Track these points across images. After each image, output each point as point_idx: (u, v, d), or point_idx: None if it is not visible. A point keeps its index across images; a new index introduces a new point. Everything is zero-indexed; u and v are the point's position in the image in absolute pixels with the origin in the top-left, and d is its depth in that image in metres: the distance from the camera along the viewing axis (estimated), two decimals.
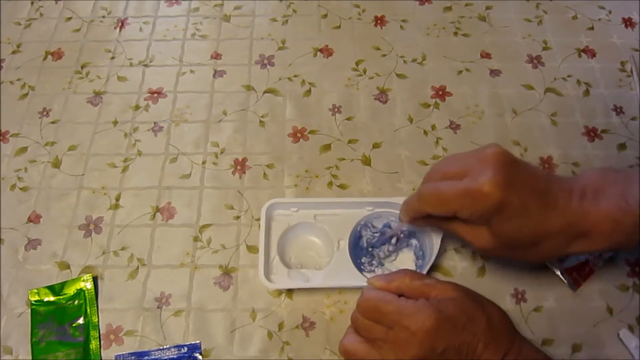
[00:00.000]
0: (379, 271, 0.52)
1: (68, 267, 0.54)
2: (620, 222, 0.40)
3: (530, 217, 0.41)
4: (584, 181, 0.42)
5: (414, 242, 0.53)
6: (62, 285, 0.53)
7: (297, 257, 0.54)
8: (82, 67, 0.68)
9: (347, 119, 0.63)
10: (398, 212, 0.53)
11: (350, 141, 0.61)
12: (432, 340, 0.39)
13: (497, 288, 0.52)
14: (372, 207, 0.54)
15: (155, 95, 0.65)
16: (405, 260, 0.53)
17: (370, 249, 0.53)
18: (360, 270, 0.51)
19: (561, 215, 0.41)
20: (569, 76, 0.66)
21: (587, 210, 0.40)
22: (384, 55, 0.68)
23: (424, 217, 0.45)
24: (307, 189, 0.58)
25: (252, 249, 0.55)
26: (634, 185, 0.40)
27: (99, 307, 0.52)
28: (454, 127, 0.62)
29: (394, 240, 0.52)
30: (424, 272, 0.50)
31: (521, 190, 0.40)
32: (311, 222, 0.54)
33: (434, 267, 0.53)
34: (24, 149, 0.61)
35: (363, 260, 0.53)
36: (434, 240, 0.51)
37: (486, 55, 0.67)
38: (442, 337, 0.39)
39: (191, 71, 0.67)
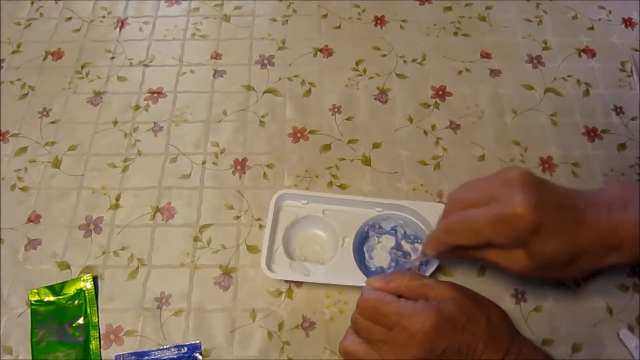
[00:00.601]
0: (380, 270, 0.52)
1: (68, 267, 0.54)
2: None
3: (565, 235, 0.40)
4: (607, 194, 0.42)
5: (418, 246, 0.53)
6: (62, 285, 0.53)
7: (301, 249, 0.54)
8: (82, 67, 0.68)
9: (347, 119, 0.63)
10: (407, 215, 0.53)
11: (350, 141, 0.61)
12: (432, 341, 0.39)
13: (497, 288, 0.52)
14: (381, 209, 0.54)
15: (155, 95, 0.65)
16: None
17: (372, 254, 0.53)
18: (363, 269, 0.51)
19: (593, 229, 0.40)
20: (569, 76, 0.66)
21: (617, 222, 0.40)
22: (384, 55, 0.68)
23: (452, 249, 0.44)
24: (307, 189, 0.58)
25: (252, 249, 0.55)
26: None
27: (99, 307, 0.52)
28: (454, 127, 0.62)
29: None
30: (427, 273, 0.50)
31: (553, 209, 0.40)
32: (319, 217, 0.54)
33: (435, 267, 0.53)
34: (24, 149, 0.61)
35: (366, 261, 0.53)
36: None
37: (486, 55, 0.67)
38: (442, 337, 0.39)
39: (191, 71, 0.67)
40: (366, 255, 0.53)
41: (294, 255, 0.53)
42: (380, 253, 0.53)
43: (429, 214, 0.52)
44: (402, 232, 0.54)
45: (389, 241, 0.54)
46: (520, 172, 0.41)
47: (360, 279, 0.50)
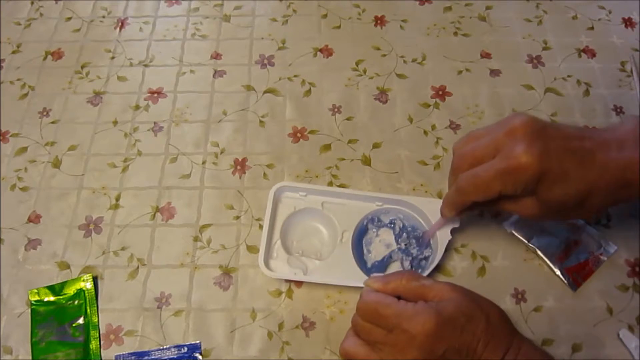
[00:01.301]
0: (380, 268, 0.52)
1: (68, 267, 0.54)
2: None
3: (572, 179, 0.40)
4: (621, 131, 0.42)
5: (413, 242, 0.53)
6: (62, 285, 0.53)
7: (299, 242, 0.54)
8: (82, 67, 0.68)
9: (347, 119, 0.63)
10: (407, 209, 0.53)
11: (350, 141, 0.61)
12: (432, 342, 0.39)
13: (497, 288, 0.52)
14: (381, 203, 0.54)
15: (155, 95, 0.65)
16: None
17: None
18: (362, 265, 0.51)
19: (602, 169, 0.40)
20: (569, 76, 0.66)
21: (628, 159, 0.40)
22: (384, 55, 0.68)
23: (468, 206, 0.45)
24: None
25: (252, 249, 0.55)
26: None
27: (99, 307, 0.52)
28: (454, 127, 0.62)
29: (407, 264, 0.52)
30: (427, 273, 0.50)
31: (558, 154, 0.40)
32: (318, 209, 0.54)
33: (434, 267, 0.53)
34: (24, 149, 0.61)
35: (365, 256, 0.52)
36: (439, 245, 0.51)
37: (486, 55, 0.67)
38: (442, 339, 0.39)
39: (191, 71, 0.67)
40: (365, 249, 0.53)
41: (292, 249, 0.53)
42: (379, 247, 0.53)
43: (429, 209, 0.52)
44: (401, 225, 0.54)
45: (387, 234, 0.54)
46: (523, 121, 0.41)
47: (358, 277, 0.50)
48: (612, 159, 0.40)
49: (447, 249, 0.54)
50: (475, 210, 0.46)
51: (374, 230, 0.54)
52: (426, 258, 0.52)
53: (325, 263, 0.51)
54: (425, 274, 0.50)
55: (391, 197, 0.54)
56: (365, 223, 0.54)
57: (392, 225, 0.54)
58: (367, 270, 0.51)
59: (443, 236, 0.51)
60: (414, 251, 0.52)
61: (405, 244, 0.52)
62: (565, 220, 0.52)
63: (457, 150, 0.45)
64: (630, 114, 0.62)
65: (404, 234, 0.53)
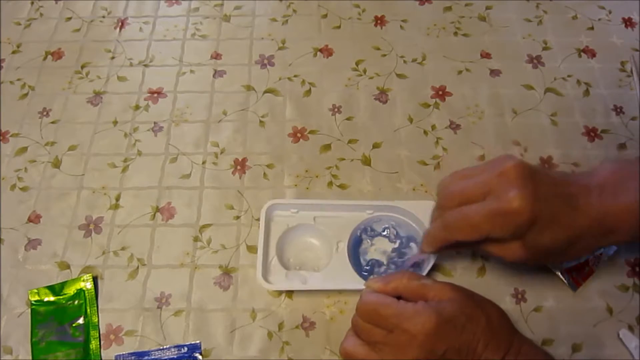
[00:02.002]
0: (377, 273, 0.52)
1: (68, 267, 0.54)
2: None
3: (561, 225, 0.40)
4: (600, 177, 0.42)
5: (413, 245, 0.53)
6: (62, 285, 0.53)
7: (295, 258, 0.54)
8: (82, 67, 0.68)
9: (347, 119, 0.63)
10: (398, 215, 0.53)
11: (350, 141, 0.61)
12: (433, 342, 0.39)
13: (497, 288, 0.52)
14: (372, 211, 0.54)
15: (155, 95, 0.65)
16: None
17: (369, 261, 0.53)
18: (359, 273, 0.51)
19: (585, 215, 0.41)
20: (569, 76, 0.66)
21: (608, 207, 0.40)
22: (384, 55, 0.68)
23: (451, 244, 0.44)
24: (307, 189, 0.58)
25: (252, 249, 0.55)
26: None
27: (99, 307, 0.52)
28: (454, 127, 0.62)
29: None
30: (424, 273, 0.50)
31: (548, 200, 0.40)
32: (310, 224, 0.54)
33: (434, 267, 0.53)
34: (24, 149, 0.61)
35: (361, 264, 0.52)
36: None
37: (486, 55, 0.67)
38: (442, 339, 0.39)
39: (191, 71, 0.67)
40: (361, 258, 0.53)
41: (289, 265, 0.53)
42: (375, 255, 0.53)
43: (421, 212, 0.52)
44: (394, 233, 0.54)
45: (382, 243, 0.54)
46: (515, 164, 0.41)
47: (357, 282, 0.50)
48: (593, 206, 0.41)
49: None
50: (455, 249, 0.46)
51: (368, 240, 0.54)
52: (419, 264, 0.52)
53: (323, 273, 0.51)
54: (424, 273, 0.50)
55: (382, 204, 0.54)
56: (358, 233, 0.54)
57: (386, 234, 0.54)
58: (365, 277, 0.51)
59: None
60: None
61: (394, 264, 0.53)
62: (546, 264, 0.51)
63: (444, 187, 0.44)
64: (630, 115, 0.62)
65: (398, 241, 0.53)
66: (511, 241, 0.42)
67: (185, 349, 0.50)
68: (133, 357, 0.50)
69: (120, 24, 0.71)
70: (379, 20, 0.71)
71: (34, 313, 0.52)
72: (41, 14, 0.73)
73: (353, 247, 0.53)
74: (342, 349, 0.44)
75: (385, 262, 0.53)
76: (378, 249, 0.53)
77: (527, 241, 0.41)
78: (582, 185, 0.42)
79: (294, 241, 0.54)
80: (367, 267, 0.52)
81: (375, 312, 0.42)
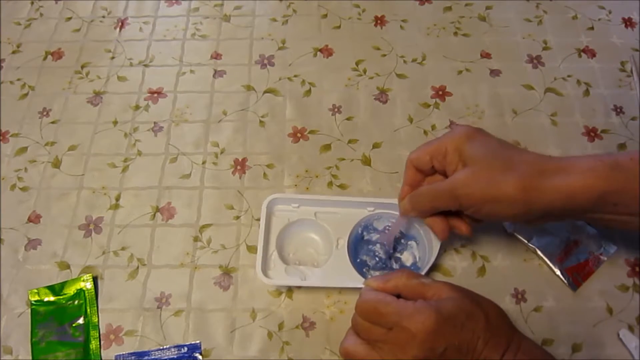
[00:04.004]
0: (377, 272, 0.52)
1: (68, 267, 0.54)
2: (599, 159, 0.40)
3: (500, 148, 0.43)
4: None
5: (413, 244, 0.53)
6: (62, 285, 0.53)
7: (295, 253, 0.54)
8: (82, 67, 0.68)
9: (347, 119, 0.63)
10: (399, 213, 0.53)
11: (350, 141, 0.61)
12: (432, 340, 0.39)
13: (497, 288, 0.52)
14: (373, 208, 0.54)
15: (155, 95, 0.65)
16: (405, 261, 0.53)
17: (370, 248, 0.53)
18: (359, 270, 0.51)
19: (533, 154, 0.43)
20: (569, 76, 0.66)
21: (561, 157, 0.42)
22: (384, 55, 0.68)
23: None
24: (307, 189, 0.58)
25: (252, 249, 0.55)
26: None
27: (99, 307, 0.52)
28: (454, 127, 0.62)
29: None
30: (423, 272, 0.50)
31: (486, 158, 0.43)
32: (311, 219, 0.54)
33: (434, 267, 0.53)
34: (24, 149, 0.61)
35: (361, 261, 0.52)
36: (434, 242, 0.51)
37: (486, 55, 0.67)
38: (442, 337, 0.39)
39: (191, 71, 0.67)
40: (361, 255, 0.53)
41: (289, 260, 0.53)
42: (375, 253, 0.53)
43: None
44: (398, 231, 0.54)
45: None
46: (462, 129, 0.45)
47: (357, 280, 0.50)
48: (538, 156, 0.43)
49: (447, 249, 0.54)
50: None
51: (369, 238, 0.54)
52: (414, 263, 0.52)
53: (322, 270, 0.51)
54: (423, 272, 0.50)
55: (383, 201, 0.54)
56: (359, 231, 0.54)
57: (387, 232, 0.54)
58: (365, 275, 0.51)
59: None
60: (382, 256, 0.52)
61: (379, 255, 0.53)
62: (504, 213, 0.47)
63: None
64: (630, 115, 0.62)
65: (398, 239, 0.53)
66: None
67: (185, 349, 0.50)
68: (133, 357, 0.50)
69: (120, 24, 0.71)
70: (379, 20, 0.71)
71: (34, 313, 0.52)
72: (41, 14, 0.73)
73: (353, 244, 0.53)
74: (342, 348, 0.44)
75: (376, 254, 0.53)
76: (378, 247, 0.53)
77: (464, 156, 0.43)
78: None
79: (295, 236, 0.54)
80: (362, 262, 0.52)
81: (375, 310, 0.42)
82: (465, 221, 0.47)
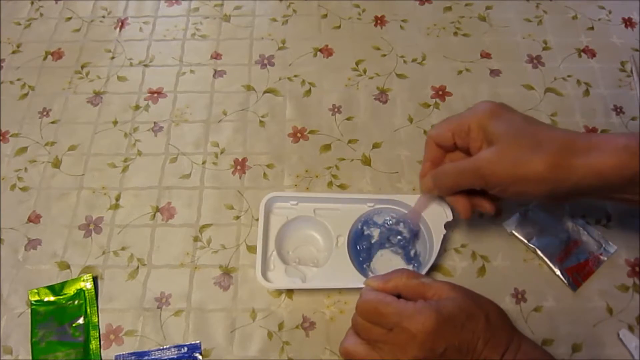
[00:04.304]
0: (379, 272, 0.52)
1: (68, 267, 0.54)
2: (632, 137, 0.39)
3: (526, 124, 0.42)
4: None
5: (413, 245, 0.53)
6: (62, 285, 0.53)
7: (295, 251, 0.54)
8: (82, 67, 0.68)
9: (347, 119, 0.63)
10: (399, 208, 0.53)
11: (350, 141, 0.61)
12: (433, 341, 0.39)
13: (497, 288, 0.52)
14: (372, 204, 0.54)
15: (155, 95, 0.65)
16: (402, 262, 0.53)
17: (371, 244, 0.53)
18: (359, 267, 0.51)
19: (560, 130, 0.42)
20: (569, 76, 0.66)
21: (591, 134, 0.42)
22: (384, 55, 0.68)
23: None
24: (307, 189, 0.58)
25: (252, 249, 0.55)
26: None
27: (99, 307, 0.52)
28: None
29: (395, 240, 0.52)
30: (423, 272, 0.50)
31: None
32: (310, 217, 0.54)
33: (434, 267, 0.53)
34: (24, 149, 0.61)
35: (362, 258, 0.52)
36: (434, 241, 0.51)
37: (486, 55, 0.67)
38: (442, 337, 0.39)
39: (191, 71, 0.67)
40: (361, 252, 0.53)
41: (288, 258, 0.53)
42: (375, 248, 0.53)
43: None
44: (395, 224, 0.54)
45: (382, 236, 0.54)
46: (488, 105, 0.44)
47: (357, 279, 0.50)
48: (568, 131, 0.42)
49: (447, 249, 0.54)
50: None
51: (369, 232, 0.54)
52: (416, 254, 0.52)
53: (322, 270, 0.51)
54: (423, 272, 0.50)
55: (382, 197, 0.54)
56: (359, 226, 0.54)
57: (387, 226, 0.54)
58: (365, 273, 0.51)
59: (437, 232, 0.51)
60: (401, 242, 0.52)
61: (392, 238, 0.52)
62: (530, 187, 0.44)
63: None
64: (630, 115, 0.62)
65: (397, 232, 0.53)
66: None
67: (185, 349, 0.50)
68: (133, 357, 0.50)
69: (120, 24, 0.71)
70: (379, 20, 0.71)
71: (34, 313, 0.52)
72: (41, 14, 0.73)
73: (353, 240, 0.53)
74: (342, 348, 0.44)
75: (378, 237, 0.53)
76: (377, 242, 0.53)
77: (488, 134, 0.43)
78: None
79: (294, 234, 0.54)
80: (364, 250, 0.52)
81: (375, 310, 0.42)
82: (488, 199, 0.46)
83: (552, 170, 0.39)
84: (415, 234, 0.53)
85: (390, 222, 0.53)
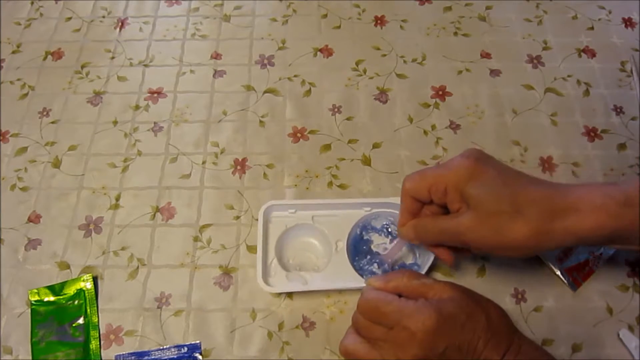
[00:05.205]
0: (377, 271, 0.52)
1: (68, 267, 0.54)
2: (609, 195, 0.39)
3: (504, 186, 0.41)
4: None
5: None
6: (62, 285, 0.53)
7: (295, 259, 0.54)
8: (82, 67, 0.68)
9: (347, 119, 0.63)
10: (396, 212, 0.53)
11: (350, 141, 0.61)
12: (433, 340, 0.39)
13: (497, 288, 0.52)
14: (369, 208, 0.54)
15: (155, 95, 0.65)
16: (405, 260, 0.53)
17: (369, 249, 0.53)
18: (359, 271, 0.51)
19: (539, 188, 0.41)
20: (569, 76, 0.66)
21: (568, 188, 0.41)
22: (384, 55, 0.68)
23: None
24: (307, 189, 0.58)
25: (252, 249, 0.55)
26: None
27: (99, 307, 0.52)
28: (454, 127, 0.62)
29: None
30: (423, 272, 0.50)
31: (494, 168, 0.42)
32: (309, 224, 0.54)
33: (434, 267, 0.53)
34: (24, 149, 0.61)
35: (361, 262, 0.52)
36: None
37: (486, 55, 0.67)
38: (442, 336, 0.39)
39: (191, 71, 0.67)
40: (360, 256, 0.53)
41: (289, 266, 0.53)
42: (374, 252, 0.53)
43: None
44: (395, 229, 0.54)
45: (381, 240, 0.54)
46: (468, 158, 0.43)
47: (358, 281, 0.50)
48: (551, 185, 0.42)
49: None
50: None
51: (368, 237, 0.54)
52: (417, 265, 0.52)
53: (323, 274, 0.51)
54: (423, 272, 0.50)
55: (379, 201, 0.54)
56: (358, 231, 0.54)
57: (386, 231, 0.54)
58: (365, 275, 0.51)
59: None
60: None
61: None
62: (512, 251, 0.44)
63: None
64: (630, 115, 0.62)
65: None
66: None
67: (185, 349, 0.50)
68: (133, 357, 0.50)
69: (120, 24, 0.71)
70: (379, 20, 0.71)
71: (34, 313, 0.52)
72: (41, 14, 0.73)
73: (352, 244, 0.53)
74: (342, 347, 0.44)
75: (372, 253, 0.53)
76: (377, 246, 0.53)
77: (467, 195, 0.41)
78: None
79: (293, 242, 0.54)
80: (363, 253, 0.52)
81: (376, 309, 0.42)
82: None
83: (532, 237, 0.40)
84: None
85: (387, 228, 0.54)
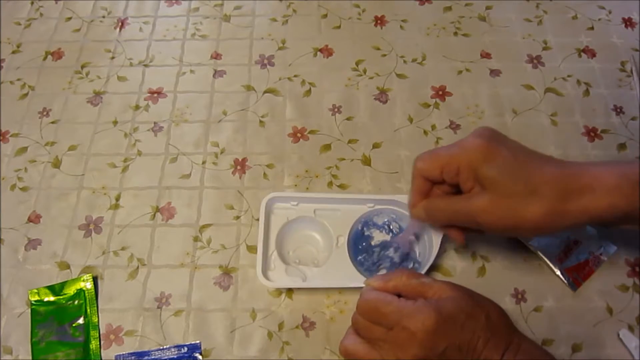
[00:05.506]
0: (377, 269, 0.52)
1: (68, 267, 0.54)
2: (625, 175, 0.39)
3: (518, 167, 0.41)
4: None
5: (413, 238, 0.53)
6: (62, 285, 0.53)
7: (295, 251, 0.54)
8: (82, 67, 0.68)
9: (347, 119, 0.63)
10: (399, 209, 0.53)
11: (350, 141, 0.61)
12: (433, 340, 0.39)
13: (497, 288, 0.52)
14: (373, 204, 0.54)
15: (155, 95, 0.65)
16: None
17: (370, 246, 0.53)
18: (359, 268, 0.51)
19: (553, 168, 0.40)
20: (569, 76, 0.66)
21: (583, 167, 0.40)
22: (384, 55, 0.68)
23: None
24: (307, 189, 0.58)
25: (252, 249, 0.55)
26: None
27: (99, 307, 0.52)
28: (454, 127, 0.62)
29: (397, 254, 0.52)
30: (423, 272, 0.50)
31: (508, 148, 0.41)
32: (311, 217, 0.54)
33: (434, 267, 0.53)
34: (24, 149, 0.61)
35: (362, 258, 0.52)
36: (434, 241, 0.51)
37: (486, 55, 0.67)
38: (442, 336, 0.39)
39: (191, 71, 0.67)
40: (361, 252, 0.53)
41: (289, 258, 0.53)
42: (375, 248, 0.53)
43: None
44: (397, 227, 0.54)
45: (383, 236, 0.54)
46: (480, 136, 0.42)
47: (357, 279, 0.50)
48: (566, 164, 0.42)
49: (447, 249, 0.54)
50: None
51: (369, 233, 0.54)
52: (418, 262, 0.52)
53: (323, 269, 0.51)
54: (423, 272, 0.50)
55: (382, 198, 0.54)
56: (359, 227, 0.54)
57: (387, 228, 0.54)
58: (365, 272, 0.51)
59: (437, 232, 0.51)
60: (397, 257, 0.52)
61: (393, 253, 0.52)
62: (524, 228, 0.44)
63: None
64: (630, 115, 0.62)
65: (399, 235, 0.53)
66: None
67: (185, 349, 0.50)
68: (133, 357, 0.50)
69: (120, 24, 0.71)
70: (379, 20, 0.71)
71: (34, 313, 0.52)
72: (41, 14, 0.73)
73: (353, 240, 0.53)
74: (342, 347, 0.44)
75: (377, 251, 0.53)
76: (378, 243, 0.53)
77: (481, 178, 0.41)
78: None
79: (294, 234, 0.54)
80: (364, 250, 0.52)
81: (376, 309, 0.42)
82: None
83: (547, 218, 0.40)
84: (404, 258, 0.52)
85: (389, 225, 0.54)
